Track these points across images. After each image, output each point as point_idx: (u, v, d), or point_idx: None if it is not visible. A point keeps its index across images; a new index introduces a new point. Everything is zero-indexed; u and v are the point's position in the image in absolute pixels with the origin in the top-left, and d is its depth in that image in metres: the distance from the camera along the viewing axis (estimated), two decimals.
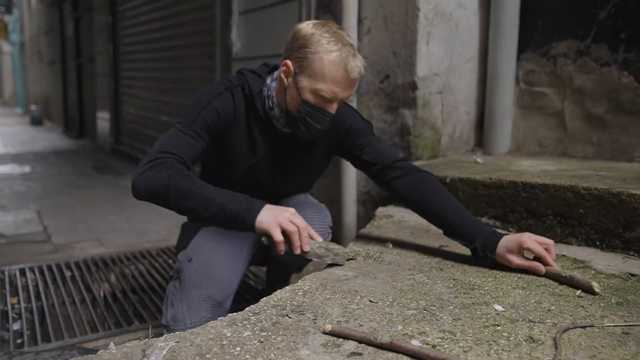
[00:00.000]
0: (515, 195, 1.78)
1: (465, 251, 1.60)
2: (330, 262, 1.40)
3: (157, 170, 1.30)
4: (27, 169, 5.78)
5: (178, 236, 1.73)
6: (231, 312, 1.19)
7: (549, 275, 1.33)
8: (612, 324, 1.07)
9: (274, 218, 1.26)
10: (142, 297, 2.38)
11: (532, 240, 1.34)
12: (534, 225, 1.74)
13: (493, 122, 2.48)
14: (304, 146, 1.57)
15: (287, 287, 1.29)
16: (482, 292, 1.26)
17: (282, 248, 1.27)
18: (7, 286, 2.41)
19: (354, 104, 2.53)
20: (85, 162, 6.38)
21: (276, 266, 1.95)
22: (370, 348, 0.97)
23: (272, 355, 0.94)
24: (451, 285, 1.30)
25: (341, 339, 1.00)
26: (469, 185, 1.91)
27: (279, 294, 1.25)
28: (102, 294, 2.41)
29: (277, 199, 1.72)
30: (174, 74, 5.00)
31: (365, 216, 2.55)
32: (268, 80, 1.51)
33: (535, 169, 1.99)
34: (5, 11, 17.13)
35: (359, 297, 1.22)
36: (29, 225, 3.45)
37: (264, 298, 1.23)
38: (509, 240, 1.37)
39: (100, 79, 7.43)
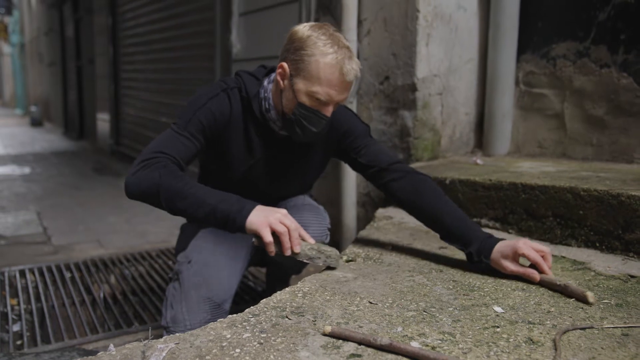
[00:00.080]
0: (515, 197, 1.78)
1: None
2: (322, 264, 1.37)
3: (150, 170, 1.30)
4: (27, 170, 5.78)
5: (177, 237, 1.73)
6: (231, 313, 1.19)
7: (543, 283, 1.29)
8: (612, 326, 1.07)
9: (264, 219, 1.24)
10: (141, 298, 2.38)
11: (527, 247, 1.30)
12: (533, 227, 1.74)
13: (493, 124, 2.48)
14: (301, 148, 1.57)
15: (286, 289, 1.29)
16: (482, 293, 1.26)
17: (272, 249, 1.25)
18: (7, 287, 2.41)
19: (353, 106, 2.53)
20: (85, 163, 6.38)
21: (276, 267, 1.95)
22: (370, 349, 0.97)
23: (271, 356, 0.94)
24: (451, 287, 1.30)
25: (341, 341, 1.00)
26: (468, 186, 1.91)
27: (278, 295, 1.25)
28: (101, 295, 2.41)
29: (276, 201, 1.72)
30: (174, 75, 5.00)
31: (365, 217, 2.55)
32: (265, 82, 1.50)
33: (535, 171, 2.00)
34: (5, 12, 17.14)
35: (358, 299, 1.22)
36: (29, 226, 3.45)
37: (264, 299, 1.23)
38: (504, 245, 1.34)
39: (100, 80, 7.44)
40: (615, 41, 2.14)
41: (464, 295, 1.25)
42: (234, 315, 1.14)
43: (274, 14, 3.13)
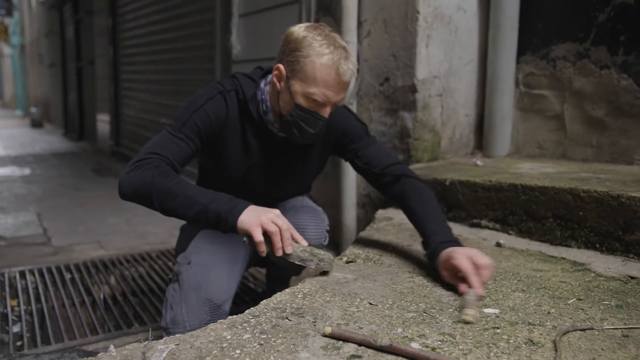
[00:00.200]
0: (515, 198, 1.78)
1: None
2: (314, 268, 1.33)
3: (142, 170, 1.30)
4: (27, 171, 5.78)
5: (177, 239, 1.73)
6: (231, 314, 1.19)
7: (464, 296, 1.19)
8: (612, 327, 1.07)
9: (255, 218, 1.23)
10: (141, 299, 2.38)
11: (463, 257, 1.23)
12: (533, 228, 1.74)
13: (493, 125, 2.49)
14: (299, 150, 1.56)
15: (287, 290, 1.29)
16: None
17: (262, 249, 1.23)
18: (7, 288, 2.41)
19: (353, 107, 2.54)
20: (85, 164, 6.38)
21: (276, 268, 1.95)
22: (370, 351, 0.97)
23: (272, 357, 0.94)
24: (451, 288, 1.30)
25: (341, 342, 1.00)
26: (468, 187, 1.91)
27: (278, 296, 1.25)
28: (102, 296, 2.41)
29: (274, 203, 1.72)
30: (174, 76, 5.01)
31: (365, 219, 2.55)
32: (262, 84, 1.50)
33: (535, 172, 2.00)
34: (5, 14, 17.15)
35: (358, 300, 1.22)
36: (29, 227, 3.45)
37: (264, 300, 1.23)
38: (450, 251, 1.27)
39: (101, 81, 7.44)
40: (615, 42, 2.14)
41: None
42: (234, 316, 1.14)
43: (274, 15, 3.13)
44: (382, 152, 1.60)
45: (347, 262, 1.51)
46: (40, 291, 2.41)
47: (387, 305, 1.18)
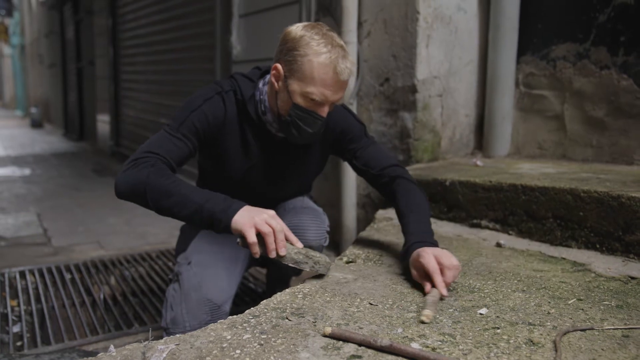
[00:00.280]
0: (515, 198, 1.78)
1: (466, 254, 1.60)
2: (308, 270, 1.30)
3: (138, 169, 1.29)
4: (27, 171, 5.78)
5: (177, 239, 1.73)
6: (231, 314, 1.19)
7: (426, 296, 1.22)
8: (612, 327, 1.07)
9: (249, 219, 1.20)
10: (142, 299, 2.38)
11: (430, 256, 1.24)
12: (533, 228, 1.74)
13: (493, 125, 2.49)
14: (298, 150, 1.56)
15: (287, 290, 1.29)
16: (482, 295, 1.26)
17: (256, 250, 1.21)
18: (7, 289, 2.41)
19: (354, 107, 2.54)
20: (85, 164, 6.38)
21: (276, 269, 1.95)
22: (370, 351, 0.97)
23: (272, 358, 0.94)
24: (451, 288, 1.30)
25: (341, 342, 1.00)
26: (468, 188, 1.91)
27: (278, 296, 1.25)
28: (102, 296, 2.40)
29: (275, 203, 1.71)
30: (174, 76, 5.01)
31: (365, 219, 2.55)
32: (260, 85, 1.49)
33: (535, 172, 2.00)
34: (6, 14, 17.15)
35: (358, 300, 1.22)
36: (29, 227, 3.45)
37: (264, 301, 1.23)
38: (420, 250, 1.28)
39: (101, 81, 7.44)
40: (615, 43, 2.14)
41: (464, 296, 1.25)
42: (234, 316, 1.14)
43: (274, 15, 3.13)
44: (380, 153, 1.60)
45: (347, 262, 1.51)
46: (40, 291, 2.41)
47: (388, 306, 1.18)
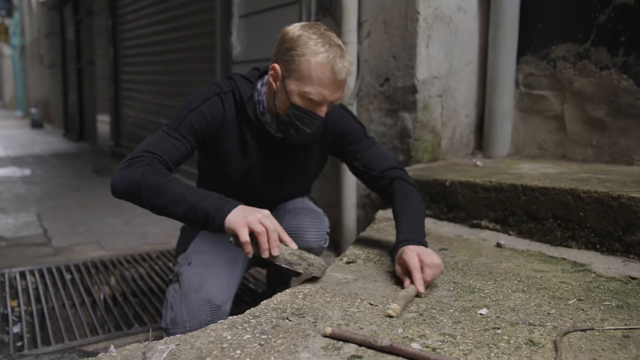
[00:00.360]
0: (515, 199, 1.78)
1: (466, 254, 1.60)
2: (302, 272, 1.28)
3: (134, 168, 1.29)
4: (27, 171, 5.78)
5: (178, 239, 1.73)
6: (231, 315, 1.19)
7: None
8: (613, 327, 1.07)
9: (242, 218, 1.19)
10: (142, 300, 2.38)
11: (413, 253, 1.26)
12: (534, 229, 1.74)
13: (493, 125, 2.49)
14: (297, 150, 1.56)
15: (287, 290, 1.29)
16: (482, 295, 1.26)
17: (248, 249, 1.19)
18: (7, 289, 2.41)
19: (353, 107, 2.54)
20: (86, 165, 6.38)
21: (276, 269, 1.94)
22: (370, 351, 0.97)
23: (272, 358, 0.94)
24: (451, 289, 1.30)
25: (341, 342, 1.00)
26: (468, 188, 1.91)
27: (279, 296, 1.25)
28: (102, 296, 2.40)
29: (274, 204, 1.71)
30: (174, 77, 5.01)
31: (366, 219, 2.55)
32: (258, 85, 1.49)
33: (535, 172, 2.00)
34: (6, 14, 17.15)
35: (359, 300, 1.22)
36: (29, 228, 3.45)
37: (264, 301, 1.23)
38: (405, 248, 1.31)
39: (101, 82, 7.44)
40: (615, 43, 2.14)
41: (464, 296, 1.25)
42: (235, 316, 1.14)
43: (274, 15, 3.13)
44: (381, 155, 1.61)
45: (348, 263, 1.51)
46: (41, 292, 2.41)
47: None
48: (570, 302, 1.21)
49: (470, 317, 1.13)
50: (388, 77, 2.42)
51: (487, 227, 1.86)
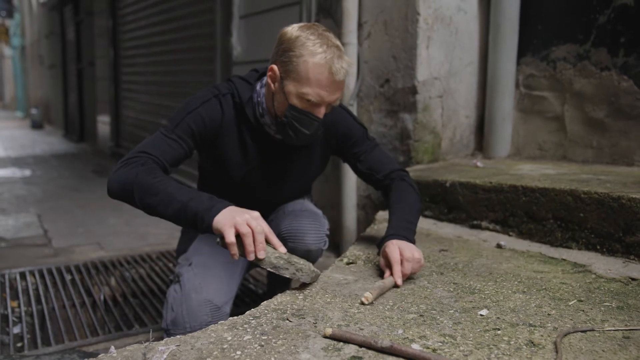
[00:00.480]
0: (515, 199, 1.79)
1: (466, 255, 1.60)
2: (289, 276, 1.24)
3: (129, 168, 1.29)
4: (27, 172, 5.78)
5: (178, 240, 1.73)
6: (231, 315, 1.19)
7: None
8: (613, 328, 1.07)
9: (230, 219, 1.17)
10: (142, 300, 2.38)
11: (395, 247, 1.32)
12: (534, 230, 1.74)
13: (493, 126, 2.49)
14: (298, 151, 1.56)
15: (287, 291, 1.29)
16: (483, 296, 1.26)
17: (234, 251, 1.17)
18: (8, 290, 2.41)
19: (354, 108, 2.54)
20: (86, 165, 6.38)
21: None
22: (370, 352, 0.97)
23: (272, 359, 0.94)
24: (451, 290, 1.30)
25: (342, 343, 1.00)
26: (469, 189, 1.91)
27: (279, 297, 1.25)
28: (102, 297, 2.40)
29: (274, 205, 1.71)
30: (174, 77, 5.01)
31: (366, 220, 2.55)
32: (257, 87, 1.49)
33: (535, 173, 2.00)
34: (6, 15, 17.16)
35: (359, 301, 1.21)
36: (29, 228, 3.45)
37: (265, 302, 1.23)
38: (389, 242, 1.36)
39: (101, 82, 7.44)
40: (616, 44, 2.14)
41: (464, 297, 1.25)
42: (235, 317, 1.14)
43: (274, 16, 3.14)
44: (384, 157, 1.64)
45: (348, 264, 1.51)
46: (41, 292, 2.41)
47: (388, 307, 1.19)
48: (570, 303, 1.21)
49: (470, 318, 1.13)
50: (388, 78, 2.43)
51: (487, 228, 1.86)
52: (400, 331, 1.06)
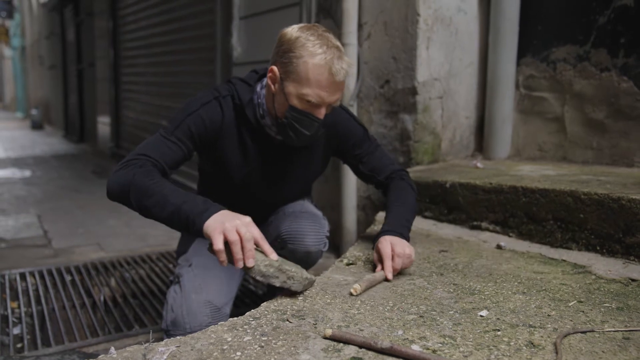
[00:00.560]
0: (515, 200, 1.79)
1: (466, 256, 1.60)
2: (278, 286, 1.20)
3: (127, 171, 1.29)
4: (27, 173, 5.78)
5: (178, 241, 1.73)
6: (231, 316, 1.19)
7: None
8: (613, 329, 1.07)
9: (220, 224, 1.14)
10: (142, 301, 2.38)
11: (387, 243, 1.37)
12: (534, 230, 1.74)
13: (493, 127, 2.49)
14: (299, 152, 1.56)
15: (287, 292, 1.29)
16: (483, 297, 1.26)
17: (222, 258, 1.14)
18: (8, 290, 2.41)
19: (354, 109, 2.54)
20: (86, 166, 6.38)
21: None
22: (370, 353, 0.97)
23: (272, 359, 0.94)
24: (451, 290, 1.30)
25: (342, 344, 1.00)
26: (469, 190, 1.91)
27: (279, 298, 1.25)
28: (102, 298, 2.40)
29: (275, 206, 1.71)
30: (174, 78, 5.01)
31: (366, 221, 2.55)
32: (258, 88, 1.49)
33: (535, 174, 2.00)
34: (6, 16, 17.17)
35: (359, 302, 1.22)
36: (29, 229, 3.45)
37: (265, 303, 1.22)
38: (383, 237, 1.41)
39: (101, 83, 7.45)
40: (615, 45, 2.14)
41: (464, 298, 1.25)
42: (235, 318, 1.14)
43: (274, 17, 3.14)
44: (385, 159, 1.66)
45: (348, 265, 1.51)
46: (41, 293, 2.41)
47: (388, 308, 1.19)
48: (570, 304, 1.21)
49: (470, 318, 1.13)
50: (388, 78, 2.43)
51: (487, 229, 1.86)
52: (400, 332, 1.06)
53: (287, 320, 1.12)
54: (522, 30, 2.41)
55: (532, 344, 1.01)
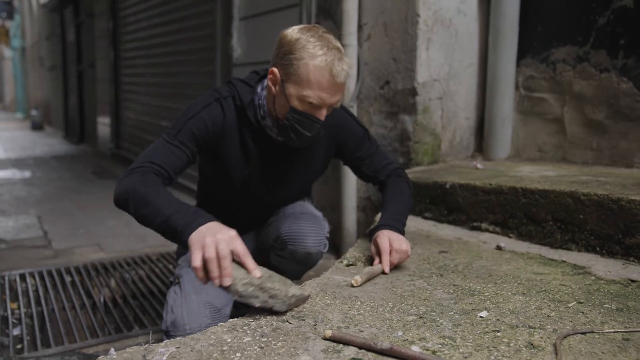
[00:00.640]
0: (515, 201, 1.79)
1: (466, 257, 1.60)
2: (258, 306, 1.13)
3: (129, 179, 1.29)
4: (27, 174, 5.78)
5: None
6: (231, 317, 1.19)
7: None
8: (613, 330, 1.07)
9: (202, 239, 1.09)
10: (142, 302, 2.38)
11: (385, 237, 1.41)
12: (534, 231, 1.74)
13: (493, 128, 2.49)
14: (299, 154, 1.56)
15: None
16: (482, 298, 1.26)
17: (200, 275, 1.09)
18: (7, 291, 2.41)
19: (354, 110, 2.54)
20: (86, 167, 6.38)
21: (276, 272, 1.94)
22: (370, 354, 0.97)
23: None
24: (451, 291, 1.30)
25: (341, 345, 1.00)
26: (468, 191, 1.91)
27: None
28: (102, 299, 2.40)
29: (275, 207, 1.71)
30: (174, 79, 5.01)
31: (366, 222, 2.55)
32: (258, 89, 1.49)
33: (535, 175, 2.00)
34: (6, 17, 17.19)
35: (359, 303, 1.22)
36: (29, 230, 3.45)
37: None
38: (381, 232, 1.45)
39: (101, 84, 7.45)
40: (615, 46, 2.14)
41: (464, 299, 1.25)
42: (235, 319, 1.14)
43: (274, 18, 3.14)
44: (385, 159, 1.68)
45: (348, 265, 1.51)
46: (41, 294, 2.41)
47: (388, 309, 1.19)
48: (570, 305, 1.21)
49: (470, 319, 1.13)
50: (388, 79, 2.43)
51: (487, 230, 1.86)
52: (400, 333, 1.06)
53: (287, 321, 1.12)
54: (521, 31, 2.41)
55: (531, 345, 1.01)
